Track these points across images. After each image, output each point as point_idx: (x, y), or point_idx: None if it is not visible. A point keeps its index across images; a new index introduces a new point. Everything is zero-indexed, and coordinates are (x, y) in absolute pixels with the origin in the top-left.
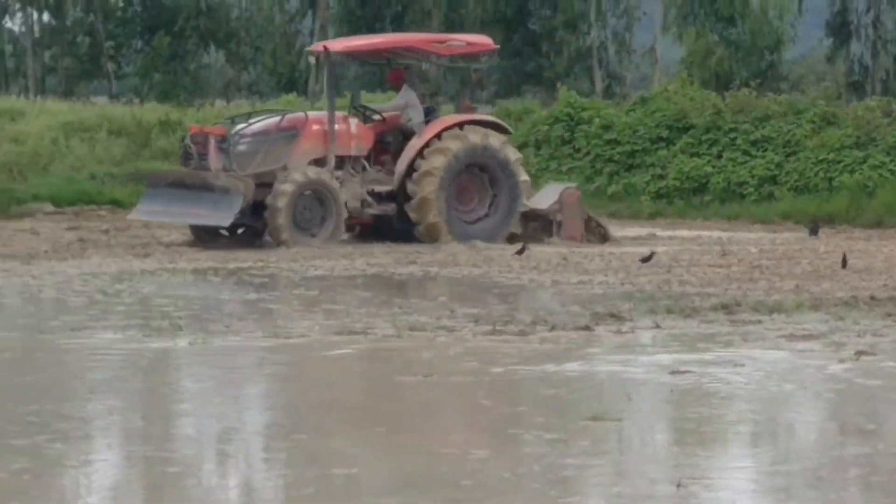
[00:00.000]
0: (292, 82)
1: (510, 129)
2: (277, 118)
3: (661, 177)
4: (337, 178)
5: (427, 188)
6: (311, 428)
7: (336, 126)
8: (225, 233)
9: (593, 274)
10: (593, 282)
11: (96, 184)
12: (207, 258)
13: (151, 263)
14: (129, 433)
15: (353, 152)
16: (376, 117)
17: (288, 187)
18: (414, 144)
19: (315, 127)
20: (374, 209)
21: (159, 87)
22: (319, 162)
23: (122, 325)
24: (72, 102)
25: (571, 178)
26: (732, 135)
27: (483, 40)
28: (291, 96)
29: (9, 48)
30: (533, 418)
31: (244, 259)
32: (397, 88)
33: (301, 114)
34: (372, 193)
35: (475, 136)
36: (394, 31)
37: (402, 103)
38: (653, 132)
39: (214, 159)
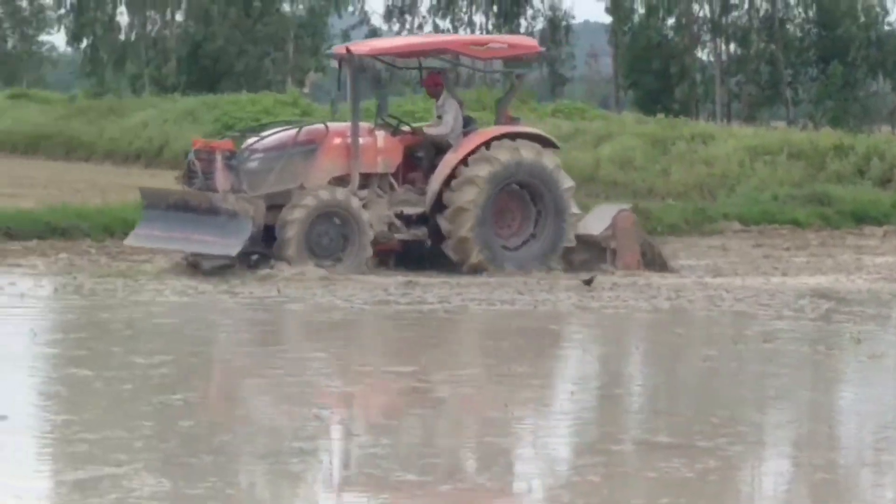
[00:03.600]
0: None
1: (557, 143)
2: (293, 131)
3: None
4: (361, 200)
5: (465, 197)
6: None
7: (360, 139)
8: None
9: None
10: None
11: (778, 204)
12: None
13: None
14: (797, 439)
15: (379, 169)
16: (405, 129)
17: (309, 201)
18: (449, 160)
19: (336, 140)
20: (404, 234)
21: (831, 114)
22: (341, 180)
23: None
24: (755, 127)
25: None
26: None
27: (526, 42)
28: None
29: (698, 76)
30: None
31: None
32: (436, 95)
33: (321, 126)
34: (401, 216)
35: (528, 151)
36: None
37: (450, 122)
38: None
39: (222, 178)
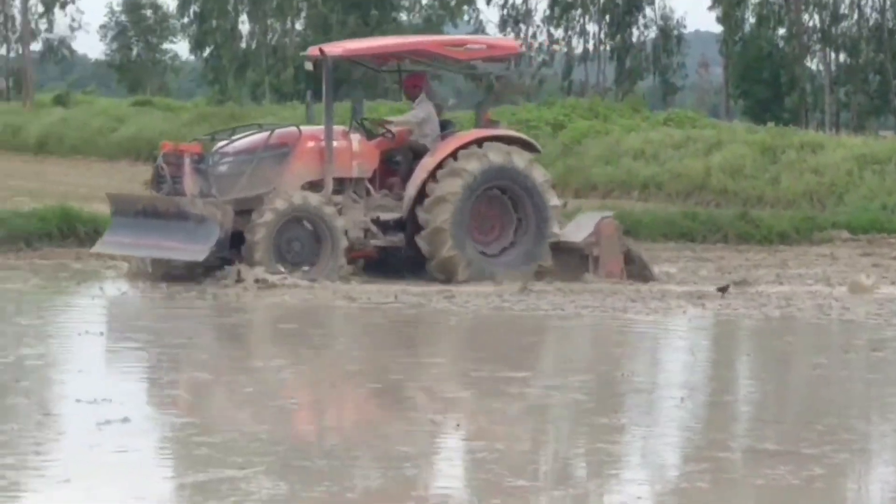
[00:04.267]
0: None
1: (538, 147)
2: (265, 134)
3: None
4: (336, 205)
5: (440, 216)
6: None
7: (335, 143)
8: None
9: None
10: None
11: (886, 213)
12: None
13: None
14: None
15: (354, 174)
16: (381, 131)
17: (278, 207)
18: (426, 164)
19: (309, 144)
20: (380, 240)
21: None
22: (315, 185)
23: None
24: (864, 136)
25: None
26: None
27: (506, 43)
28: None
29: (808, 86)
30: None
31: None
32: (413, 97)
33: (293, 128)
34: (377, 222)
35: (496, 154)
36: None
37: (420, 115)
38: None
39: (190, 182)
